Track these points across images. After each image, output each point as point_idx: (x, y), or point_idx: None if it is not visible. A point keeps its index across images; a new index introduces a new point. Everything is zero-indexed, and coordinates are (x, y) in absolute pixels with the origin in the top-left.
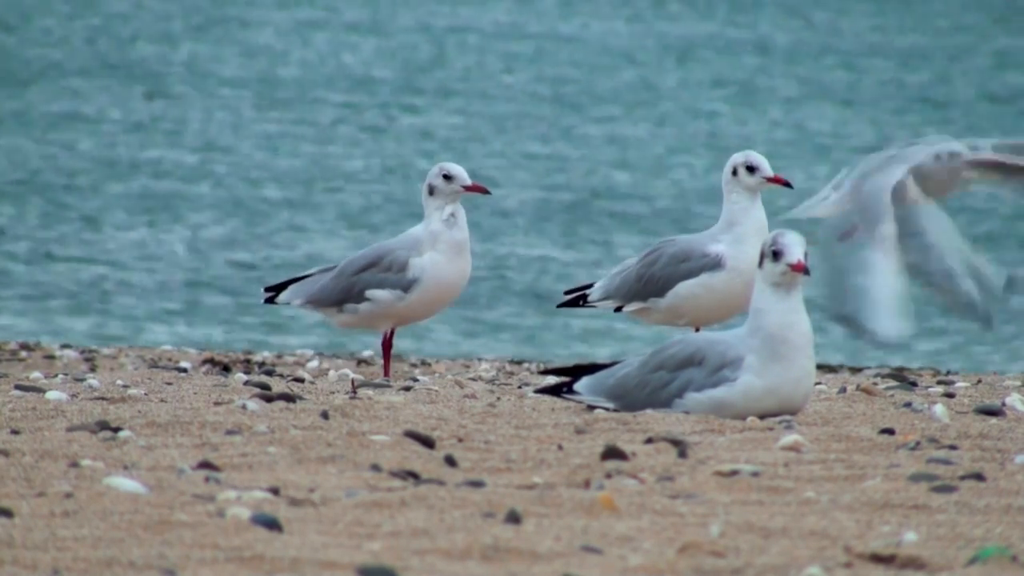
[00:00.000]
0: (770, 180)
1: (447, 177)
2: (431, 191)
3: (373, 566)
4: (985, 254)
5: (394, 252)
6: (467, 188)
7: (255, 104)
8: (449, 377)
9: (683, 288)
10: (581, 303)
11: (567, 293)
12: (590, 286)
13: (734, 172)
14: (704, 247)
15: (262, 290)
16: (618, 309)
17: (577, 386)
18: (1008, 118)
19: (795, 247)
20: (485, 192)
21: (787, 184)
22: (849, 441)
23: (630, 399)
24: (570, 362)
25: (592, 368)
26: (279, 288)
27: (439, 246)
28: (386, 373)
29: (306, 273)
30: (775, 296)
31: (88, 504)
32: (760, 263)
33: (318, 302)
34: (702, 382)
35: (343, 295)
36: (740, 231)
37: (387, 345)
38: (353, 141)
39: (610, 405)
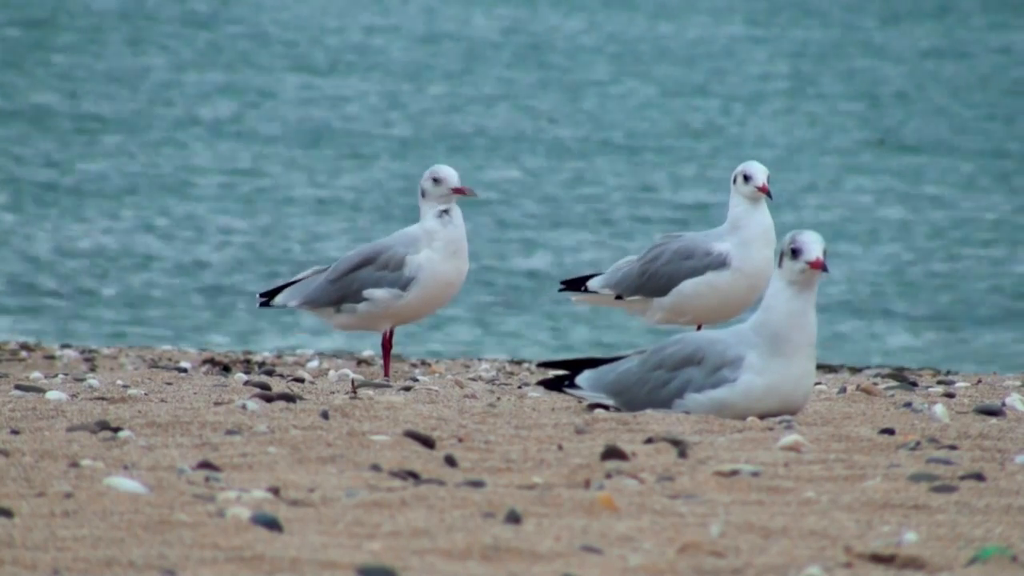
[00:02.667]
0: (759, 190)
1: (436, 180)
2: (424, 194)
3: (373, 566)
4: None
5: (391, 249)
6: (455, 190)
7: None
8: (449, 377)
9: (688, 286)
10: (582, 289)
11: (563, 283)
12: (588, 277)
13: (735, 180)
14: (708, 245)
15: (257, 295)
16: (619, 297)
17: (579, 379)
18: None
19: (813, 245)
20: (472, 195)
21: (768, 195)
22: (849, 441)
23: (629, 396)
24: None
25: (591, 363)
26: (273, 293)
27: (435, 244)
28: (386, 373)
29: (299, 276)
30: (788, 294)
31: (88, 504)
32: (779, 262)
33: (314, 303)
34: (702, 382)
35: (340, 294)
36: (746, 235)
37: (387, 345)
38: None
39: (610, 401)
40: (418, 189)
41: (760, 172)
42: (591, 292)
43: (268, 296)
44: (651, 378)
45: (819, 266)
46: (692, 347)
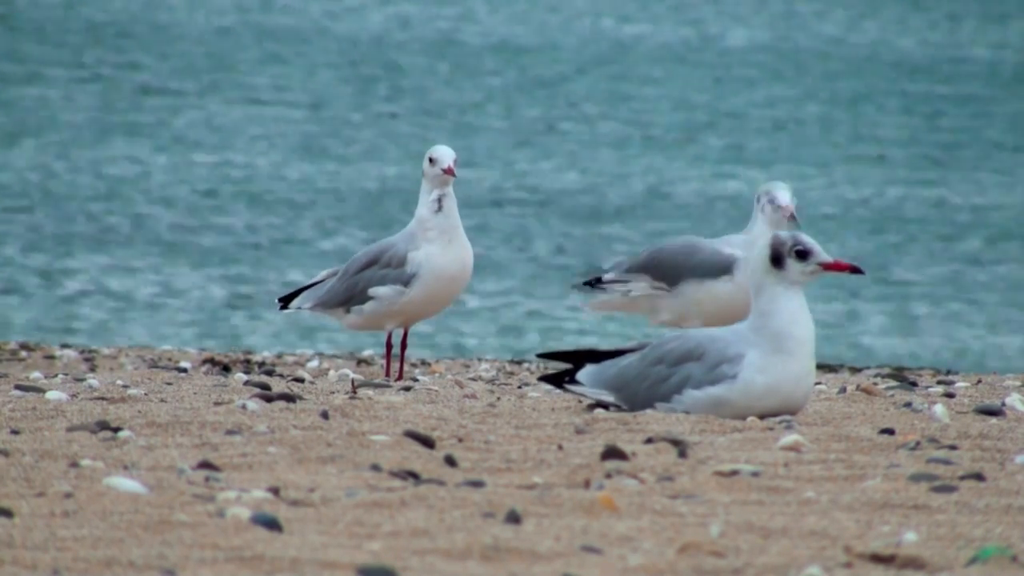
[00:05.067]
0: (787, 217)
1: (431, 160)
2: (424, 174)
3: (373, 566)
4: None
5: (394, 247)
6: (444, 171)
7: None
8: (449, 377)
9: (691, 287)
10: (596, 283)
11: (586, 282)
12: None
13: (758, 199)
14: (719, 246)
15: (276, 300)
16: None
17: (579, 375)
18: None
19: (818, 246)
20: (452, 175)
21: (794, 219)
22: (849, 441)
23: (630, 391)
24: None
25: (591, 355)
26: (291, 297)
27: (429, 234)
28: (387, 373)
29: (316, 279)
30: (785, 296)
31: (88, 504)
32: (777, 263)
33: (326, 304)
34: (701, 378)
35: (348, 294)
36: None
37: (390, 345)
38: None
39: (610, 397)
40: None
41: (787, 197)
42: (603, 288)
43: (286, 300)
44: (651, 373)
45: (846, 267)
46: (692, 343)
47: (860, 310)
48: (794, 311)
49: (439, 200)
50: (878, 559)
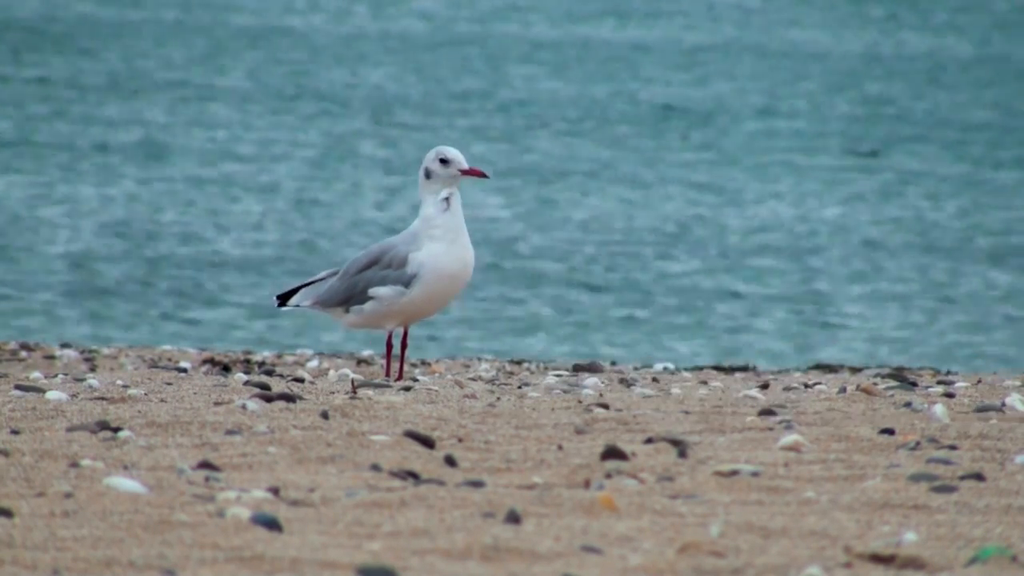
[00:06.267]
0: None
1: (444, 161)
2: (428, 175)
3: (373, 566)
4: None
5: (394, 248)
6: (464, 172)
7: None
8: (449, 377)
9: None
10: None
11: None
12: None
13: None
14: None
15: (274, 298)
16: None
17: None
18: None
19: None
20: (483, 176)
21: None
22: (849, 441)
23: None
24: (572, 362)
25: None
26: (288, 295)
27: (434, 232)
28: (387, 373)
29: (315, 278)
30: None
31: (88, 504)
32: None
33: (325, 303)
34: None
35: (348, 294)
36: None
37: (390, 345)
38: None
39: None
40: (420, 171)
41: None
42: None
43: (283, 298)
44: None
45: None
46: None
47: (862, 312)
48: None
49: (448, 199)
50: (878, 559)
